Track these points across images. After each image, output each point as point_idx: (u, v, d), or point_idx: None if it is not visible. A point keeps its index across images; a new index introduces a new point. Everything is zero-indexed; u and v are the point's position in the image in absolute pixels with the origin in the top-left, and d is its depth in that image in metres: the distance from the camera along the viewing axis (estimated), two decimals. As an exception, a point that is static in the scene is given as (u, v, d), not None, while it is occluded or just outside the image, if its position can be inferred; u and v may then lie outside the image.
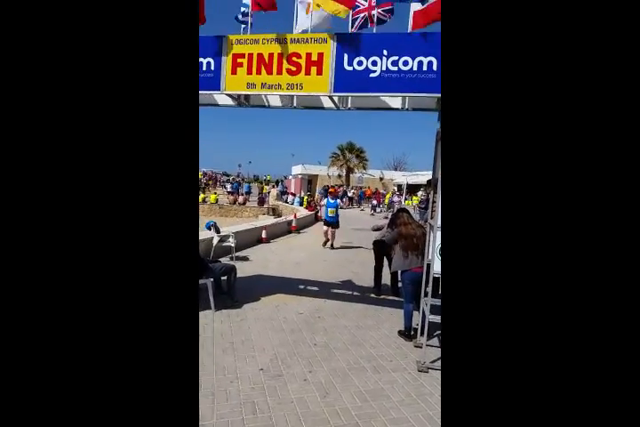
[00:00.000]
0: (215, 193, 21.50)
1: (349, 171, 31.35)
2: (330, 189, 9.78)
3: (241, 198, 19.82)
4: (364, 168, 31.62)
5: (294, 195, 20.59)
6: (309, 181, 28.48)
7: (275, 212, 17.64)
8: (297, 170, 33.04)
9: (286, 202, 19.64)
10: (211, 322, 3.62)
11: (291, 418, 2.18)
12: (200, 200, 20.56)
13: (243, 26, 3.54)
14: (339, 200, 8.61)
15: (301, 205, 17.32)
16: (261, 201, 19.64)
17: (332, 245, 8.27)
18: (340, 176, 31.46)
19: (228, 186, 23.77)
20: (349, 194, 24.69)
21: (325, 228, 8.22)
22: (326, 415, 2.22)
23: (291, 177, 28.75)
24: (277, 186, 23.92)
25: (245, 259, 6.70)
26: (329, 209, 8.12)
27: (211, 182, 29.27)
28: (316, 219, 13.16)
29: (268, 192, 22.15)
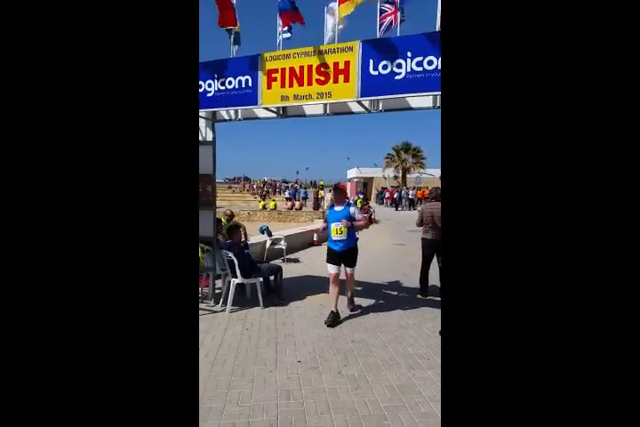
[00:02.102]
0: (274, 200, 22.45)
1: (405, 171, 30.71)
2: (339, 186, 4.46)
3: (297, 204, 20.47)
4: (422, 168, 30.75)
5: (348, 198, 20.75)
6: (364, 184, 28.45)
7: (330, 215, 17.93)
8: (352, 173, 33.18)
9: (341, 206, 19.85)
10: (258, 318, 3.90)
11: (320, 406, 2.33)
12: (260, 207, 21.59)
13: (279, 41, 3.79)
14: (352, 208, 3.95)
15: (355, 208, 17.37)
16: (316, 206, 20.08)
17: (350, 300, 4.16)
18: (395, 177, 30.95)
19: (286, 193, 24.68)
20: (410, 195, 24.17)
21: (331, 270, 3.89)
22: (355, 405, 2.33)
23: (347, 181, 28.97)
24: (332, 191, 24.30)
25: (296, 261, 6.99)
26: (332, 226, 3.81)
27: (270, 190, 30.60)
28: (370, 221, 13.13)
29: (323, 197, 22.58)
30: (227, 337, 3.44)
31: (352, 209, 3.96)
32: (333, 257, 3.93)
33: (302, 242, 8.35)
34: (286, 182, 39.00)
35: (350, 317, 4.00)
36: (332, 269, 3.92)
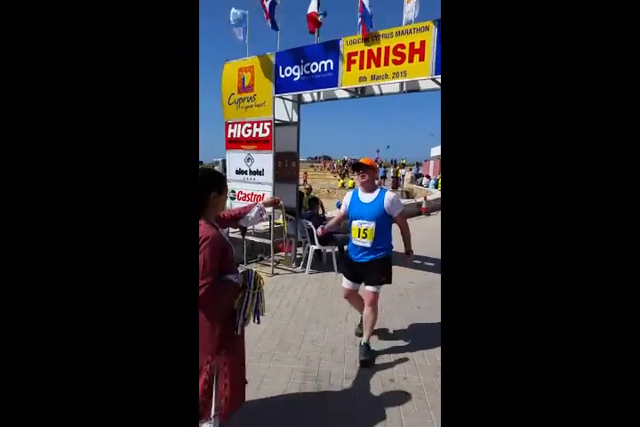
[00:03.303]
0: (352, 179, 22.76)
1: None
2: (361, 163, 2.56)
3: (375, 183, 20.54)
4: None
5: (429, 177, 20.11)
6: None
7: (409, 195, 17.70)
8: (435, 151, 31.68)
9: (420, 185, 19.39)
10: (333, 280, 4.38)
11: (382, 353, 2.72)
12: (339, 185, 22.10)
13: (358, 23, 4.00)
14: (388, 199, 2.48)
15: (436, 187, 16.90)
16: (395, 184, 19.89)
17: (364, 347, 2.62)
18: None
19: (365, 171, 24.74)
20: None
21: (344, 283, 2.78)
22: (414, 360, 2.67)
23: (430, 159, 27.90)
24: (413, 169, 23.69)
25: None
26: (354, 224, 2.59)
27: (350, 168, 30.93)
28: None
29: (403, 175, 22.18)
30: (305, 292, 3.99)
31: (388, 200, 2.45)
32: (348, 266, 2.71)
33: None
34: (366, 161, 38.67)
35: (418, 287, 4.25)
36: (345, 284, 2.75)
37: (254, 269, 1.67)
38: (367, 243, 2.54)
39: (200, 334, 1.47)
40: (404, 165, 31.20)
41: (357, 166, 2.58)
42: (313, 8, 4.01)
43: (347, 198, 2.74)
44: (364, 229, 2.52)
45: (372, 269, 2.57)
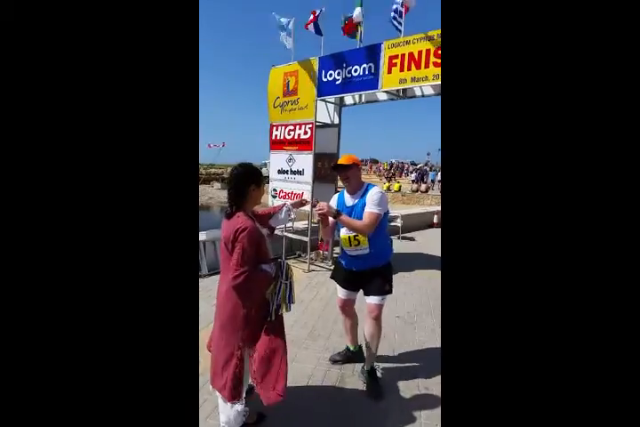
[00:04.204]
0: (399, 182, 22.46)
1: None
2: (344, 162, 2.10)
3: (423, 186, 20.06)
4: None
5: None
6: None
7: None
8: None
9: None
10: (367, 280, 4.45)
11: (409, 352, 2.75)
12: (385, 188, 21.89)
13: (402, 26, 4.06)
14: (375, 188, 2.12)
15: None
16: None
17: (367, 366, 2.29)
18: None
19: (412, 175, 24.30)
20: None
21: (340, 293, 2.39)
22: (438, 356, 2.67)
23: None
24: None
25: (412, 239, 7.25)
26: (342, 232, 2.16)
27: (397, 172, 30.48)
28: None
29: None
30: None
31: (369, 196, 2.06)
32: (343, 275, 2.32)
33: (422, 222, 8.48)
34: (415, 164, 37.98)
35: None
36: (340, 294, 2.37)
37: (285, 261, 1.76)
38: (364, 249, 2.12)
39: (233, 321, 1.62)
40: (454, 170, 30.00)
41: (336, 169, 2.13)
42: (357, 18, 4.16)
43: (332, 204, 2.20)
44: (355, 236, 2.10)
45: (374, 277, 2.19)
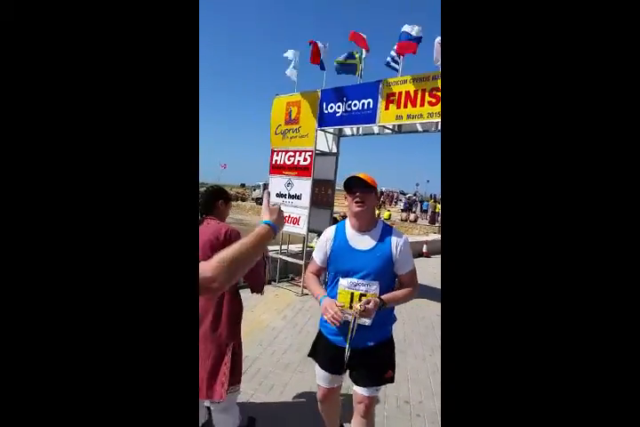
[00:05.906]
0: (389, 211, 22.83)
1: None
2: (362, 177, 1.49)
3: (412, 216, 20.44)
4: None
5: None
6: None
7: (445, 230, 17.42)
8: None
9: (459, 221, 19.03)
10: (359, 306, 4.49)
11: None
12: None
13: (400, 68, 4.38)
14: (396, 231, 1.60)
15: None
16: (432, 220, 19.70)
17: None
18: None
19: (401, 203, 24.80)
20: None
21: (320, 380, 1.66)
22: (431, 386, 2.72)
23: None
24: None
25: (402, 267, 7.34)
26: (341, 289, 1.52)
27: (387, 200, 31.01)
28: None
29: (441, 211, 21.90)
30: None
31: (398, 247, 1.55)
32: (328, 352, 1.65)
33: (412, 251, 8.55)
34: (404, 194, 38.71)
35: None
36: (322, 381, 1.69)
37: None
38: (367, 319, 1.49)
39: (220, 324, 1.78)
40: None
41: (352, 184, 1.53)
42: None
43: (325, 241, 1.62)
44: (362, 295, 1.50)
45: (372, 358, 1.57)
